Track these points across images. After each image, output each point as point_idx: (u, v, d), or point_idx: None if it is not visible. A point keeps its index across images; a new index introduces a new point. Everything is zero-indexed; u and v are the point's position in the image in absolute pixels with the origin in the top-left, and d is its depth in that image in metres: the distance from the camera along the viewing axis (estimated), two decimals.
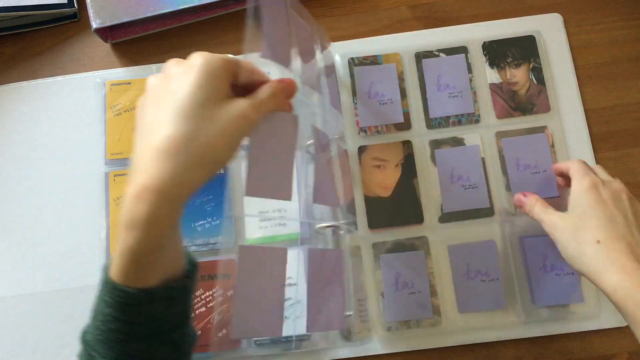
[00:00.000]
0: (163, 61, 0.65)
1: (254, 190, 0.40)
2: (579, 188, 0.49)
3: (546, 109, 0.60)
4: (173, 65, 0.38)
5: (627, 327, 0.55)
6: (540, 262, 0.56)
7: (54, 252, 0.59)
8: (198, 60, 0.37)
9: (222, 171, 0.60)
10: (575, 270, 0.47)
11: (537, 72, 0.61)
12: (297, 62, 0.49)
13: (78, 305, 0.57)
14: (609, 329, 0.56)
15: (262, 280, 0.42)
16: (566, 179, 0.53)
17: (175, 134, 0.34)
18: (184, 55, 0.39)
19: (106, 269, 0.37)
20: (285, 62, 0.45)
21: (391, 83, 0.62)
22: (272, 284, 0.43)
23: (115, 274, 0.36)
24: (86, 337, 0.38)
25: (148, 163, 0.34)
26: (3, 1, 0.63)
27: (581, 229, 0.47)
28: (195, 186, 0.35)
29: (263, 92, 0.40)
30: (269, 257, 0.43)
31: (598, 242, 0.45)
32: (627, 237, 0.45)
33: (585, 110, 0.61)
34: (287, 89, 0.42)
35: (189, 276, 0.40)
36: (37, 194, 0.61)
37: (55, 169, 0.62)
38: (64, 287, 0.58)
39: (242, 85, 0.40)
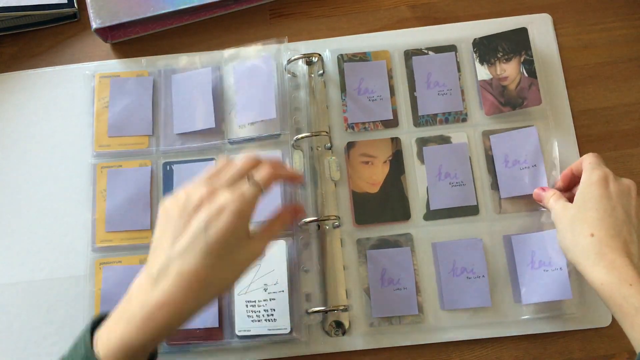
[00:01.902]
0: (163, 61, 0.65)
1: None
2: (588, 179, 0.49)
3: (537, 101, 0.60)
4: (217, 189, 0.42)
5: None
6: (527, 259, 0.56)
7: (40, 242, 0.60)
8: (235, 204, 0.41)
9: None
10: (569, 260, 0.49)
11: (529, 64, 0.61)
12: None
13: (62, 295, 0.59)
14: (609, 328, 0.55)
15: None
16: (577, 177, 0.53)
17: (201, 271, 0.40)
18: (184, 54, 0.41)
19: (89, 344, 0.40)
20: None
21: (381, 80, 0.62)
22: None
23: (105, 357, 0.39)
24: None
25: (171, 284, 0.40)
26: (3, 1, 0.63)
27: (578, 221, 0.48)
28: (203, 308, 0.42)
29: (275, 229, 0.46)
30: None
31: (592, 235, 0.46)
32: (623, 234, 0.46)
33: (585, 111, 0.61)
34: (297, 218, 0.53)
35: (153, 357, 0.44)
36: (23, 184, 0.62)
37: (43, 160, 0.63)
38: (49, 277, 0.59)
39: None
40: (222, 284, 0.42)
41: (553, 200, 0.52)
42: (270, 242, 0.44)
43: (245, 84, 0.62)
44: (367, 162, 0.60)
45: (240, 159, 0.45)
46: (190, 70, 0.63)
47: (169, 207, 0.43)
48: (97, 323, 0.42)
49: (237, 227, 0.41)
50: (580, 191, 0.50)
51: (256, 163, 0.45)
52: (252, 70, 0.62)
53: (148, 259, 0.42)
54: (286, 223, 0.48)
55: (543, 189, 0.55)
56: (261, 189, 0.43)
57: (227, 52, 0.63)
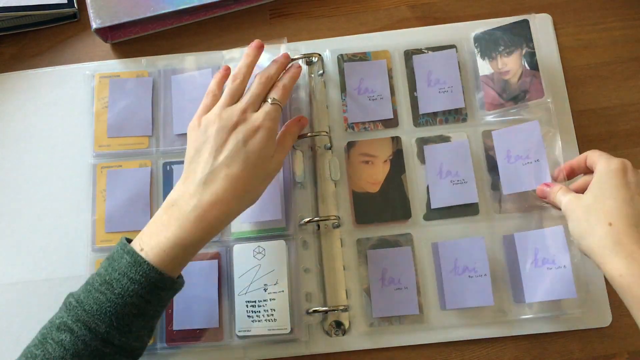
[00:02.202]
0: (163, 61, 0.65)
1: None
2: (606, 168, 0.48)
3: (539, 94, 0.59)
4: (245, 110, 0.50)
5: (627, 326, 0.55)
6: (530, 256, 0.56)
7: (40, 242, 0.60)
8: (266, 122, 0.50)
9: None
10: (582, 250, 0.48)
11: (530, 57, 0.60)
12: None
13: (62, 295, 0.58)
14: (609, 328, 0.55)
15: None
16: (577, 173, 0.54)
17: (244, 176, 0.48)
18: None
19: (132, 250, 0.45)
20: None
21: (381, 79, 0.62)
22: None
23: (157, 258, 0.44)
24: (81, 299, 0.45)
25: (221, 186, 0.47)
26: (3, 1, 0.63)
27: (595, 209, 0.46)
28: (243, 209, 0.50)
29: (287, 142, 0.54)
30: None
31: (610, 224, 0.45)
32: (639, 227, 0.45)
33: (585, 111, 0.61)
34: (302, 126, 0.58)
35: (180, 276, 0.49)
36: (23, 184, 0.62)
37: (43, 160, 0.63)
38: (49, 277, 0.59)
39: None
40: (257, 190, 0.50)
41: (561, 193, 0.51)
42: (287, 154, 0.54)
43: None
44: (367, 162, 0.60)
45: (256, 80, 0.52)
46: (191, 72, 0.63)
47: (205, 126, 0.50)
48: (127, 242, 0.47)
49: (269, 142, 0.49)
50: (596, 180, 0.48)
51: (270, 82, 0.53)
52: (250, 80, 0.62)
53: (185, 172, 0.49)
54: (293, 134, 0.56)
55: (547, 185, 0.54)
56: (281, 105, 0.52)
57: (228, 54, 0.63)
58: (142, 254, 0.45)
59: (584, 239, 0.47)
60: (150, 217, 0.59)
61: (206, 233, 0.46)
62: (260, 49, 0.54)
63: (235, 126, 0.49)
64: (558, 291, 0.54)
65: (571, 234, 0.49)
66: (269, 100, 0.51)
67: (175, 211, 0.46)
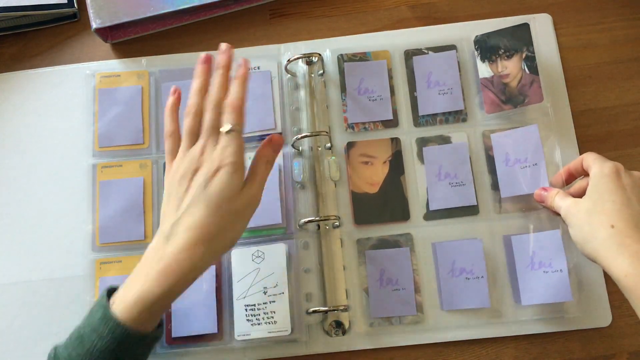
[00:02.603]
0: (162, 60, 0.65)
1: None
2: (600, 172, 0.49)
3: (539, 98, 0.59)
4: (203, 150, 0.46)
5: (627, 326, 0.55)
6: (527, 259, 0.56)
7: (40, 242, 0.60)
8: (226, 158, 0.45)
9: None
10: (585, 254, 0.48)
11: (530, 61, 0.60)
12: None
13: (62, 295, 0.59)
14: (609, 328, 0.55)
15: None
16: (575, 176, 0.54)
17: (206, 222, 0.44)
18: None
19: (106, 304, 0.43)
20: None
21: (381, 79, 0.62)
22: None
23: (124, 314, 0.42)
24: (58, 353, 0.45)
25: (182, 237, 0.44)
26: (3, 1, 0.63)
27: (596, 213, 0.47)
28: (216, 258, 0.49)
29: (261, 169, 0.48)
30: None
31: (612, 226, 0.45)
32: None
33: (585, 111, 0.61)
34: (276, 147, 0.50)
35: (161, 324, 0.47)
36: (24, 183, 0.62)
37: (43, 159, 0.63)
38: (49, 277, 0.59)
39: None
40: (230, 231, 0.45)
41: (559, 198, 0.52)
42: (263, 182, 0.48)
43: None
44: (366, 162, 0.61)
45: (206, 109, 0.47)
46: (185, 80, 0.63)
47: (169, 180, 0.47)
48: (110, 293, 0.45)
49: (232, 178, 0.44)
50: (593, 184, 0.49)
51: (220, 104, 0.47)
52: (250, 80, 0.62)
53: (159, 226, 0.46)
54: (267, 157, 0.49)
55: (545, 189, 0.55)
56: (240, 130, 0.46)
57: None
58: (113, 307, 0.43)
59: (588, 242, 0.47)
60: (144, 227, 0.60)
61: (173, 285, 0.43)
62: (208, 63, 0.49)
63: (196, 171, 0.45)
64: (554, 294, 0.55)
65: (574, 239, 0.49)
66: (223, 131, 0.46)
67: (142, 267, 0.45)
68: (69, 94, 0.64)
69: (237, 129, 0.46)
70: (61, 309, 0.58)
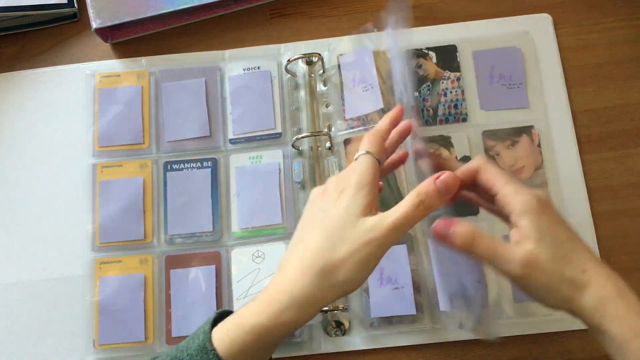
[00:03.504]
0: (162, 60, 0.65)
1: None
2: (529, 207, 0.38)
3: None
4: (333, 180, 0.42)
5: None
6: None
7: (40, 242, 0.61)
8: (353, 178, 0.40)
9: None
10: (572, 312, 0.38)
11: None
12: None
13: (62, 295, 0.59)
14: None
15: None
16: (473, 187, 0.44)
17: (314, 252, 0.38)
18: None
19: (206, 330, 0.40)
20: None
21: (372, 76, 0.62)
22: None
23: (225, 348, 0.38)
24: None
25: (296, 273, 0.39)
26: (3, 1, 0.64)
27: (560, 259, 0.37)
28: (324, 303, 0.38)
29: (403, 205, 0.39)
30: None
31: (583, 271, 0.37)
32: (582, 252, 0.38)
33: (585, 111, 0.62)
34: (446, 192, 0.39)
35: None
36: (24, 183, 0.62)
37: (43, 159, 0.63)
38: (49, 277, 0.59)
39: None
40: (337, 272, 0.38)
41: (494, 245, 0.38)
42: (398, 226, 0.38)
43: (242, 94, 0.63)
44: None
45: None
46: (184, 80, 0.64)
47: (314, 195, 0.44)
48: (221, 316, 0.42)
49: (350, 205, 0.39)
50: (532, 223, 0.38)
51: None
52: (250, 80, 0.63)
53: None
54: (420, 199, 0.38)
55: (447, 221, 0.40)
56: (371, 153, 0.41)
57: (229, 54, 0.63)
58: (215, 338, 0.39)
59: (572, 301, 0.37)
60: (144, 227, 0.59)
61: (285, 336, 0.39)
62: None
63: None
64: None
65: (540, 300, 0.39)
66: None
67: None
68: (69, 94, 0.65)
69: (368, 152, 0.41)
70: (61, 309, 0.58)
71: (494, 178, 0.41)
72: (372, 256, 0.38)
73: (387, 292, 0.57)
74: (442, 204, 0.39)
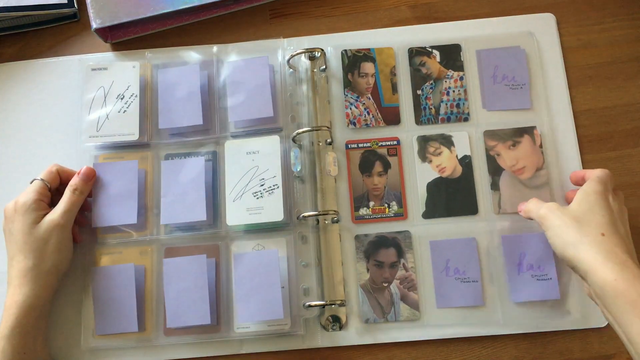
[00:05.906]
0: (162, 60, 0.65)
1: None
2: (592, 188, 0.50)
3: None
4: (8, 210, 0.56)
5: None
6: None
7: None
8: (20, 209, 0.55)
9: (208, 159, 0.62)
10: (565, 256, 0.49)
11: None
12: None
13: (61, 285, 0.58)
14: (609, 328, 0.56)
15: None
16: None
17: (22, 266, 0.53)
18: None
19: None
20: None
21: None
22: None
23: None
24: None
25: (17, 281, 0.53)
26: (3, 1, 0.64)
27: (587, 221, 0.49)
28: (48, 294, 0.54)
29: (65, 195, 0.56)
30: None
31: (603, 234, 0.47)
32: (627, 245, 0.48)
33: (585, 111, 0.62)
34: (86, 178, 0.58)
35: None
36: (19, 173, 0.63)
37: (38, 150, 0.64)
38: None
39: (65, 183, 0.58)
40: (47, 265, 0.54)
41: (546, 207, 0.52)
42: (65, 211, 0.55)
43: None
44: None
45: None
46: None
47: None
48: None
49: (24, 220, 0.54)
50: (584, 196, 0.50)
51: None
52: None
53: None
54: (76, 186, 0.57)
55: (523, 203, 0.56)
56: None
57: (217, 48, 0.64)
58: None
59: (571, 246, 0.48)
60: (138, 215, 0.59)
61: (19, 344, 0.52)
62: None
63: None
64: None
65: (552, 241, 0.50)
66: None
67: None
68: (72, 84, 0.65)
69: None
70: (60, 298, 0.58)
71: (592, 172, 0.53)
72: (60, 238, 0.55)
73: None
74: (89, 188, 0.58)
